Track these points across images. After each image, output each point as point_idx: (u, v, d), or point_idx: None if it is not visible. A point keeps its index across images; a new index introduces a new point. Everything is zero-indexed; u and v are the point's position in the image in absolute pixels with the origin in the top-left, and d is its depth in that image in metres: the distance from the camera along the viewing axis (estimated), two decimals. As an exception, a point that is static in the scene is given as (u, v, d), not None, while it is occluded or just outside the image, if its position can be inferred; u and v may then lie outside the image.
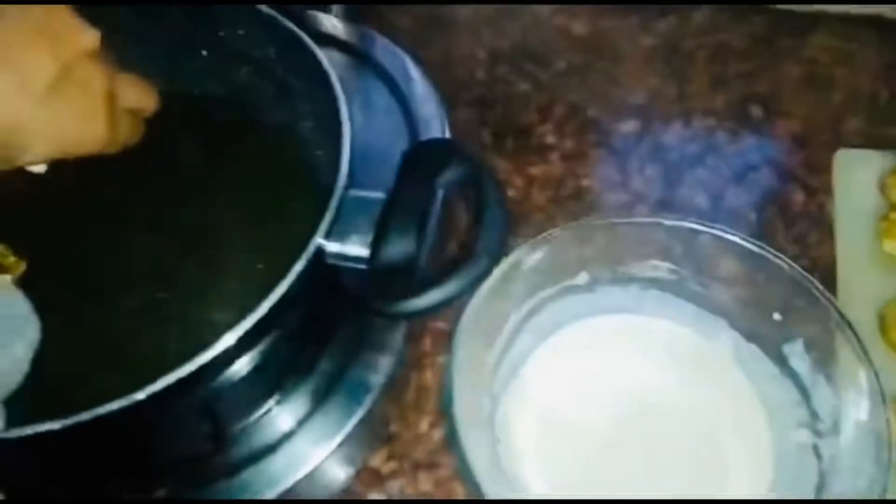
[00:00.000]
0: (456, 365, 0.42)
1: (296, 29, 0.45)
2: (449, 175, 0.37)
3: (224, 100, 0.51)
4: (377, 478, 0.49)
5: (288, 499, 0.43)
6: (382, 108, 0.58)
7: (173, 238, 0.45)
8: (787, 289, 0.45)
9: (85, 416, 0.34)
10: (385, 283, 0.35)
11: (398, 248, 0.35)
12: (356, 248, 0.37)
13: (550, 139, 0.64)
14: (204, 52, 0.50)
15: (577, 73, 0.68)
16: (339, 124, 0.40)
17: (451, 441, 0.40)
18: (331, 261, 0.37)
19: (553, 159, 0.63)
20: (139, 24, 0.49)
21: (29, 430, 0.34)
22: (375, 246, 0.36)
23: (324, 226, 0.36)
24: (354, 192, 0.38)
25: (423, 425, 0.51)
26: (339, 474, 0.48)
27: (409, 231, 0.35)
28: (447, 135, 0.55)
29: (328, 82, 0.43)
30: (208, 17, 0.48)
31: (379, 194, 0.38)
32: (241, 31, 0.48)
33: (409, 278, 0.35)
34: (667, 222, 0.46)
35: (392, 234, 0.36)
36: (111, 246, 0.45)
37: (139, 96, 0.41)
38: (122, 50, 0.49)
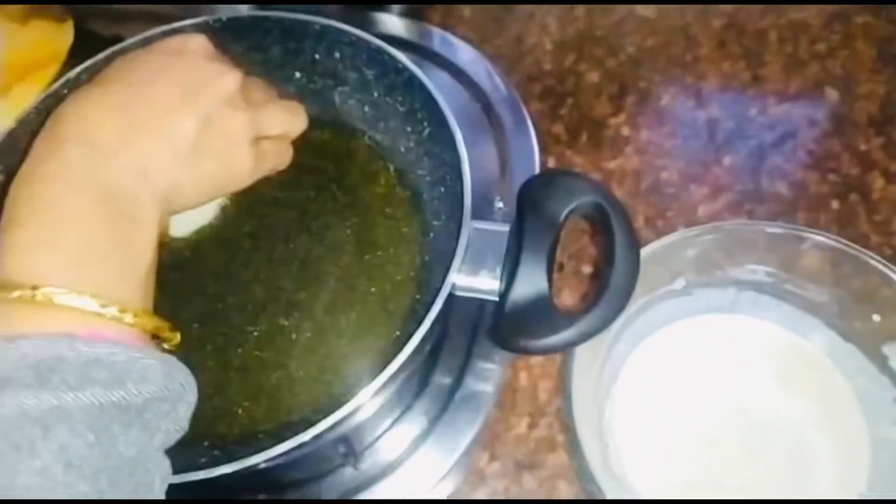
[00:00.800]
0: (574, 373, 0.43)
1: (396, 53, 0.45)
2: (577, 208, 0.37)
3: (319, 119, 0.52)
4: (482, 479, 0.52)
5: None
6: (463, 109, 0.59)
7: (288, 266, 0.47)
8: (886, 289, 0.46)
9: (259, 458, 0.35)
10: (518, 319, 0.37)
11: (530, 283, 0.36)
12: (487, 281, 0.38)
13: (625, 131, 0.65)
14: (298, 74, 0.50)
15: (646, 58, 0.68)
16: (455, 153, 0.40)
17: (572, 445, 0.42)
18: (459, 293, 0.39)
19: (629, 152, 0.64)
20: (238, 50, 0.49)
21: (211, 474, 0.36)
22: (508, 279, 0.37)
23: (457, 262, 0.37)
24: (480, 225, 0.39)
25: (522, 426, 0.53)
26: (452, 478, 0.50)
27: (540, 266, 0.37)
28: (535, 137, 0.55)
29: (434, 107, 0.43)
30: (304, 42, 0.48)
31: (504, 227, 0.39)
32: (336, 54, 0.48)
33: (542, 315, 0.36)
34: (769, 229, 0.47)
35: (523, 270, 0.37)
36: (233, 282, 0.47)
37: (285, 122, 0.41)
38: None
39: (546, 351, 0.36)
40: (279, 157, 0.42)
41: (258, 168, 0.39)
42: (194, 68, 0.36)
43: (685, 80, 0.67)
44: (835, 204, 0.59)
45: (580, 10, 0.71)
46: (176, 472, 0.34)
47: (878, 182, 0.60)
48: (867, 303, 0.47)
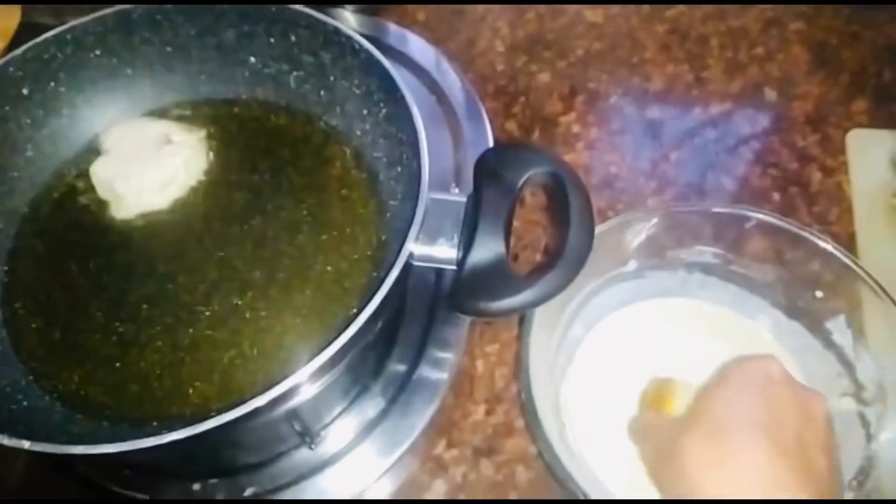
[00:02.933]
0: (530, 354, 0.44)
1: (352, 33, 0.45)
2: (532, 177, 0.38)
3: (274, 104, 0.51)
4: (440, 465, 0.51)
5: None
6: (419, 102, 0.59)
7: (242, 246, 0.46)
8: (827, 267, 0.47)
9: (188, 431, 0.34)
10: (476, 283, 0.37)
11: (488, 249, 0.37)
12: (445, 250, 0.38)
13: (575, 128, 0.66)
14: (252, 59, 0.50)
15: (595, 60, 0.70)
16: (412, 130, 0.41)
17: (532, 424, 0.42)
18: (417, 263, 0.39)
19: (580, 148, 0.65)
20: (190, 34, 0.49)
21: (140, 444, 0.34)
22: (465, 247, 0.37)
23: (414, 230, 0.37)
24: (437, 195, 0.39)
25: (479, 413, 0.53)
26: (407, 464, 0.49)
27: (498, 232, 0.37)
28: (489, 128, 0.56)
29: (392, 88, 0.43)
30: (259, 25, 0.48)
31: (461, 197, 0.39)
32: (292, 38, 0.48)
33: (500, 278, 0.37)
34: (716, 209, 0.48)
35: (481, 237, 0.37)
36: (184, 262, 0.46)
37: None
38: (171, 59, 0.50)
39: (504, 312, 0.36)
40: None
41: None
42: (795, 401, 0.38)
43: (632, 81, 0.69)
44: (776, 196, 0.61)
45: (531, 14, 0.73)
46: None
47: (816, 175, 0.62)
48: (810, 281, 0.49)
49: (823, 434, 0.37)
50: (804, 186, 0.62)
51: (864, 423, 0.45)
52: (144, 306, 0.45)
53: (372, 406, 0.47)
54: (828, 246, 0.47)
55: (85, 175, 0.50)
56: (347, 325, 0.36)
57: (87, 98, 0.51)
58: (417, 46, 0.65)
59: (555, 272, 0.36)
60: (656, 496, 0.45)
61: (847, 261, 0.47)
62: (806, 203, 0.61)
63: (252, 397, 0.34)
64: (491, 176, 0.39)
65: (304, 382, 0.35)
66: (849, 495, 0.43)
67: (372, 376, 0.47)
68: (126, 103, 0.52)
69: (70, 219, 0.49)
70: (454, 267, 0.38)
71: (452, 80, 0.63)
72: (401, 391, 0.47)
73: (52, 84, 0.49)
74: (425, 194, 0.38)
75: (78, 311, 0.45)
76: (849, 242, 0.58)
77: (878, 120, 0.65)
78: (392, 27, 0.69)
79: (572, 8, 0.73)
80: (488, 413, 0.53)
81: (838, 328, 0.48)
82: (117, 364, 0.43)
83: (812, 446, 0.36)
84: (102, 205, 0.49)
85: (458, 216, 0.39)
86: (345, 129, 0.50)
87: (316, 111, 0.51)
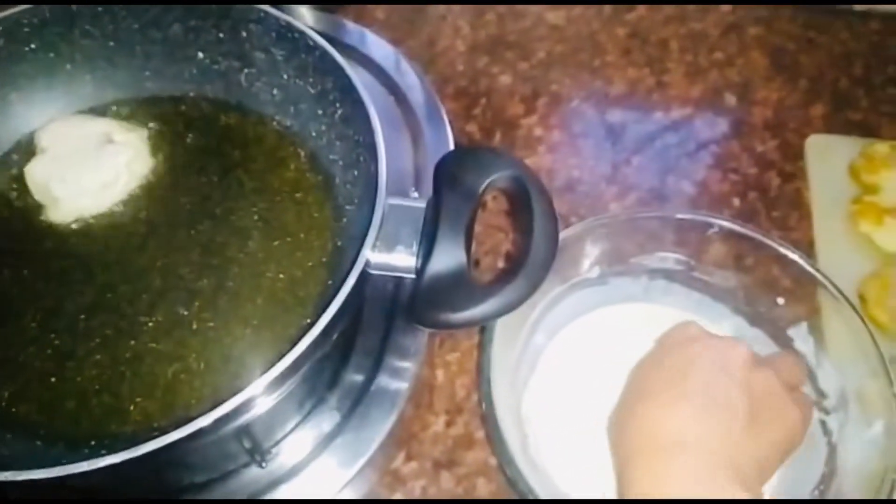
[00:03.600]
0: (491, 364, 0.42)
1: (306, 29, 0.44)
2: (494, 181, 0.37)
3: (224, 103, 0.49)
4: (399, 479, 0.49)
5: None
6: (378, 103, 0.57)
7: (189, 253, 0.44)
8: (788, 273, 0.47)
9: (127, 454, 0.32)
10: (436, 293, 0.35)
11: (448, 257, 0.35)
12: (403, 258, 0.36)
13: (537, 131, 0.65)
14: (201, 55, 0.48)
15: (557, 63, 0.69)
16: (369, 132, 0.39)
17: (493, 436, 0.41)
18: (374, 271, 0.37)
19: (541, 151, 0.64)
20: (134, 28, 0.46)
21: (74, 469, 0.32)
22: (425, 256, 0.35)
23: (371, 237, 0.35)
24: (395, 201, 0.37)
25: (439, 425, 0.52)
26: (365, 479, 0.48)
27: (458, 240, 0.35)
28: (450, 130, 0.54)
29: (348, 87, 0.42)
30: (207, 20, 0.46)
31: (420, 203, 0.38)
32: (242, 33, 0.46)
33: (461, 288, 0.35)
34: (680, 215, 0.48)
35: (441, 245, 0.35)
36: (126, 270, 0.43)
37: (796, 370, 0.45)
38: (113, 54, 0.47)
39: (465, 324, 0.34)
40: (807, 408, 0.43)
41: (805, 422, 0.42)
42: (707, 349, 0.41)
43: (594, 85, 0.68)
44: (736, 201, 0.61)
45: (491, 14, 0.72)
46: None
47: (776, 181, 0.62)
48: (771, 287, 0.48)
49: (739, 373, 0.40)
50: (763, 192, 0.62)
51: (826, 431, 0.45)
52: (82, 317, 0.42)
53: (328, 419, 0.45)
54: (788, 252, 0.47)
55: (19, 176, 0.46)
56: (301, 337, 0.34)
57: (21, 94, 0.48)
58: (376, 45, 0.63)
59: (518, 281, 0.34)
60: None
61: (806, 266, 0.47)
62: (766, 208, 0.61)
63: (198, 414, 0.32)
64: (451, 180, 0.37)
65: (254, 398, 0.33)
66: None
67: (328, 388, 0.45)
68: (65, 100, 0.49)
69: (2, 223, 0.45)
70: (413, 276, 0.36)
71: (412, 81, 0.61)
72: (358, 403, 0.45)
73: (-18, 79, 0.46)
74: (383, 199, 0.36)
75: (10, 322, 0.42)
76: (808, 248, 0.58)
77: (835, 126, 0.65)
78: (350, 25, 0.67)
79: (533, 9, 0.72)
80: (448, 424, 0.52)
81: (800, 335, 0.47)
82: (52, 379, 0.40)
83: (723, 388, 0.39)
84: (37, 208, 0.46)
85: (417, 222, 0.37)
86: (299, 130, 0.48)
87: (268, 111, 0.49)
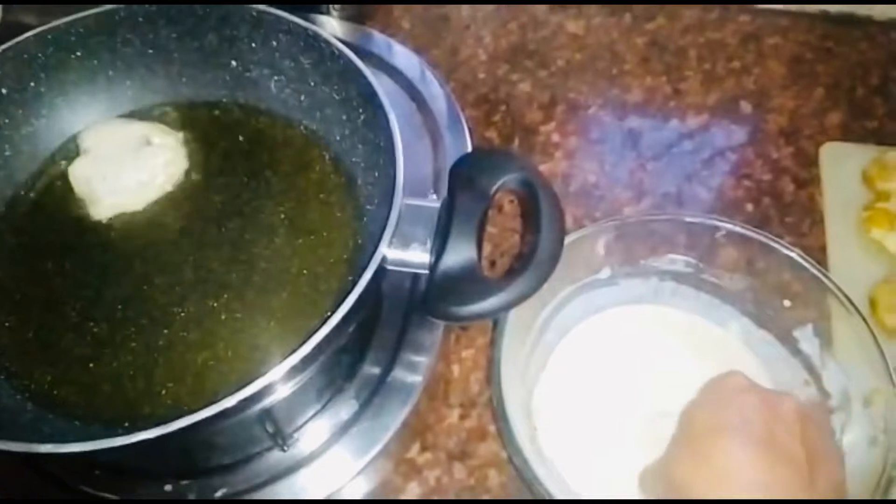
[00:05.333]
0: (502, 358, 0.44)
1: (332, 39, 0.46)
2: (505, 183, 0.39)
3: (255, 108, 0.52)
4: (414, 469, 0.51)
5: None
6: (400, 109, 0.60)
7: (219, 249, 0.46)
8: (797, 277, 0.48)
9: (157, 431, 0.34)
10: (447, 288, 0.37)
11: (460, 254, 0.37)
12: (417, 254, 0.39)
13: (555, 137, 0.67)
14: (234, 63, 0.51)
15: (575, 71, 0.71)
16: (389, 136, 0.41)
17: (502, 427, 0.43)
18: (390, 267, 0.39)
19: (558, 157, 0.66)
20: (172, 36, 0.49)
21: (108, 444, 0.34)
22: (438, 252, 0.38)
23: (388, 234, 0.38)
24: (411, 201, 0.40)
25: (454, 417, 0.54)
26: (381, 467, 0.50)
27: (470, 238, 0.38)
28: (469, 138, 0.57)
29: (370, 94, 0.44)
30: (239, 27, 0.49)
31: (434, 203, 0.40)
32: (273, 42, 0.49)
33: (471, 283, 0.37)
34: (689, 219, 0.49)
35: (453, 242, 0.38)
36: (161, 264, 0.46)
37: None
38: (152, 61, 0.50)
39: (475, 317, 0.36)
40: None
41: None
42: (762, 402, 0.41)
43: (611, 93, 0.70)
44: (749, 207, 0.62)
45: (513, 24, 0.74)
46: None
47: (790, 187, 0.63)
48: (778, 290, 0.49)
49: (795, 426, 0.40)
50: (777, 198, 0.63)
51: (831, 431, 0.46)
52: (119, 307, 0.45)
53: (346, 408, 0.47)
54: (797, 257, 0.48)
55: (63, 175, 0.50)
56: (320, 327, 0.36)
57: (67, 98, 0.51)
58: (401, 55, 0.65)
59: (525, 276, 0.36)
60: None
61: (816, 272, 0.48)
62: (779, 214, 0.62)
63: (224, 398, 0.35)
64: (465, 182, 0.39)
65: (275, 383, 0.36)
66: None
67: (346, 379, 0.48)
68: (106, 104, 0.52)
69: (47, 218, 0.49)
70: (427, 271, 0.39)
71: (434, 89, 0.64)
72: (375, 394, 0.47)
73: (33, 84, 0.49)
74: (399, 199, 0.39)
75: (52, 311, 0.45)
76: (820, 254, 0.59)
77: (851, 134, 0.66)
78: (377, 35, 0.69)
79: (554, 19, 0.74)
80: (462, 417, 0.54)
81: (806, 337, 0.49)
82: (90, 364, 0.43)
83: (783, 438, 0.39)
84: (80, 205, 0.49)
85: (431, 221, 0.39)
86: (324, 134, 0.51)
87: (296, 115, 0.52)
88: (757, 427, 0.39)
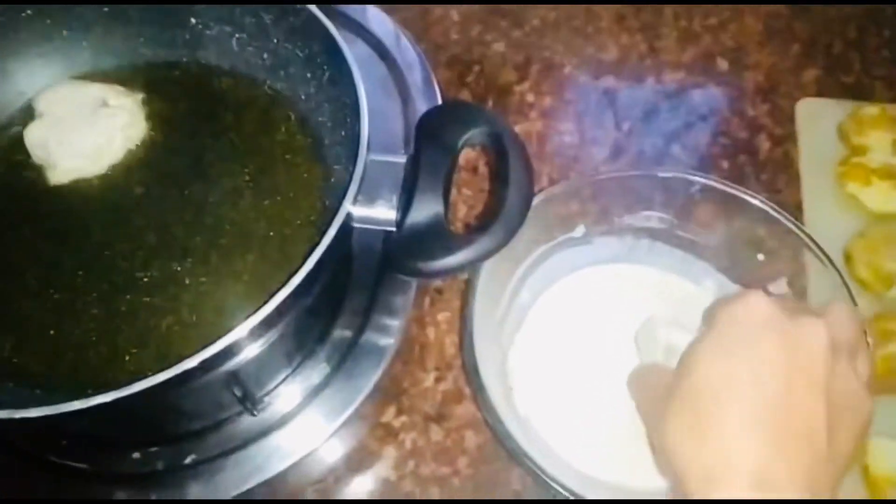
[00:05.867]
0: (474, 316, 0.43)
1: (292, -6, 0.44)
2: (472, 136, 0.38)
3: (216, 68, 0.50)
4: (390, 432, 0.51)
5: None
6: (370, 70, 0.59)
7: (182, 212, 0.45)
8: (771, 231, 0.48)
9: (117, 393, 0.33)
10: (414, 243, 0.36)
11: (426, 209, 0.36)
12: (383, 211, 0.38)
13: (530, 97, 0.66)
14: (193, 20, 0.49)
15: (550, 30, 0.70)
16: (353, 91, 0.40)
17: (476, 388, 0.42)
18: (357, 224, 0.38)
19: (533, 117, 0.65)
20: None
21: (66, 408, 0.34)
22: (404, 208, 0.37)
23: (352, 191, 0.37)
24: (377, 157, 0.38)
25: (430, 380, 0.53)
26: (356, 431, 0.49)
27: (436, 192, 0.37)
28: (439, 96, 0.55)
29: (334, 49, 0.43)
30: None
31: (401, 158, 0.39)
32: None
33: (438, 238, 0.36)
34: (663, 174, 0.48)
35: (419, 197, 0.37)
36: (122, 228, 0.45)
37: (866, 358, 0.38)
38: (109, 20, 0.48)
39: (443, 272, 0.36)
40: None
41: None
42: (783, 346, 0.34)
43: (587, 51, 0.69)
44: (725, 164, 0.62)
45: (486, -18, 0.72)
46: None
47: (765, 144, 0.63)
48: (753, 244, 0.49)
49: (820, 371, 0.34)
50: (753, 155, 0.62)
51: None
52: (80, 273, 0.43)
53: (317, 372, 0.46)
54: (772, 210, 0.47)
55: (18, 139, 0.48)
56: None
57: (19, 60, 0.49)
58: (372, 14, 0.64)
59: (493, 230, 0.35)
60: (599, 458, 0.46)
61: (791, 225, 0.47)
62: (755, 171, 0.62)
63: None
64: (432, 136, 0.38)
65: (240, 343, 0.35)
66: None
67: (317, 342, 0.47)
68: (61, 66, 0.50)
69: (2, 184, 0.47)
70: (393, 228, 0.38)
71: (407, 50, 0.62)
72: (346, 357, 0.47)
73: (-19, 44, 0.47)
74: (364, 154, 0.38)
75: (11, 279, 0.44)
76: (796, 211, 0.59)
77: (827, 90, 0.65)
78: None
79: (528, -23, 0.72)
80: (438, 380, 0.53)
81: (780, 291, 0.48)
82: (51, 331, 0.42)
83: (802, 398, 0.33)
84: (36, 170, 0.47)
85: (397, 177, 0.38)
86: (289, 94, 0.49)
87: (259, 75, 0.50)
88: (771, 387, 0.33)
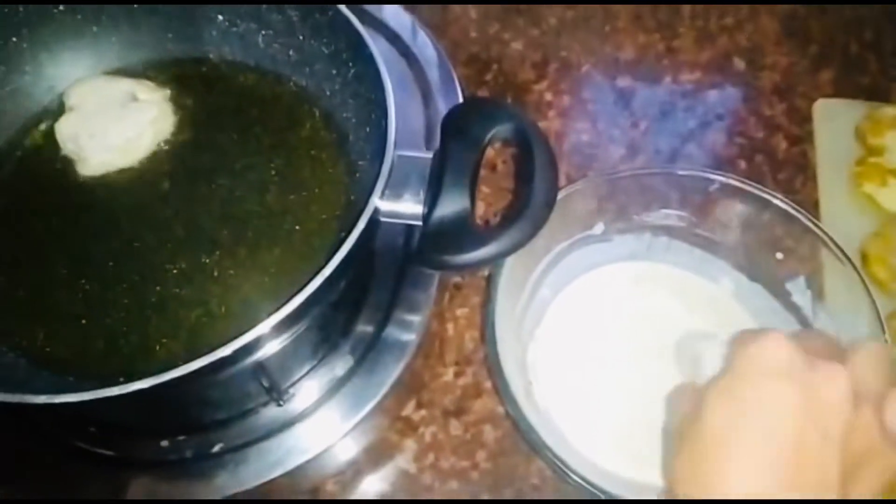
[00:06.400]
0: (496, 311, 0.44)
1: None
2: (497, 132, 0.38)
3: (243, 64, 0.51)
4: (410, 426, 0.52)
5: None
6: (391, 67, 0.59)
7: (210, 206, 0.46)
8: (789, 230, 0.48)
9: (152, 380, 0.34)
10: (441, 237, 0.37)
11: (453, 204, 0.37)
12: (410, 205, 0.38)
13: (548, 96, 0.66)
14: (220, 17, 0.50)
15: (567, 29, 0.70)
16: (380, 88, 0.41)
17: (499, 381, 0.43)
18: (383, 219, 0.39)
19: (552, 116, 0.65)
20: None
21: (102, 394, 0.34)
22: (431, 203, 0.37)
23: (380, 185, 0.37)
24: (404, 153, 0.39)
25: (449, 375, 0.54)
26: (376, 424, 0.50)
27: (463, 187, 0.37)
28: (461, 92, 0.56)
29: (360, 46, 0.43)
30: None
31: (427, 154, 0.39)
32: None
33: (465, 232, 0.37)
34: (681, 172, 0.49)
35: (446, 192, 0.37)
36: (151, 221, 0.46)
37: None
38: (137, 16, 0.49)
39: (470, 266, 0.36)
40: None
41: None
42: (798, 394, 0.32)
43: (604, 51, 0.69)
44: (742, 164, 0.62)
45: (505, -19, 0.73)
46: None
47: (782, 144, 0.63)
48: (771, 243, 0.49)
49: (837, 422, 0.32)
50: (770, 155, 0.63)
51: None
52: (110, 264, 0.44)
53: (340, 364, 0.47)
54: (790, 209, 0.48)
55: (49, 133, 0.49)
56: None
57: (51, 55, 0.50)
58: (392, 12, 0.64)
59: (518, 225, 0.36)
60: (617, 452, 0.46)
61: (809, 224, 0.48)
62: (771, 171, 0.62)
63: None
64: (457, 132, 0.39)
65: (268, 335, 0.35)
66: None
67: (341, 335, 0.48)
68: (91, 61, 0.51)
69: (34, 177, 0.48)
70: (420, 223, 0.38)
71: (426, 47, 0.63)
72: (369, 351, 0.47)
73: (14, 40, 0.48)
74: (391, 150, 0.38)
75: (43, 269, 0.45)
76: (812, 209, 0.59)
77: (844, 90, 0.66)
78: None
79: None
80: (457, 375, 0.54)
81: (798, 289, 0.49)
82: (83, 321, 0.43)
83: (815, 451, 0.32)
84: (67, 163, 0.48)
85: (423, 172, 0.39)
86: (314, 90, 0.50)
87: (285, 71, 0.51)
88: (781, 439, 0.32)
